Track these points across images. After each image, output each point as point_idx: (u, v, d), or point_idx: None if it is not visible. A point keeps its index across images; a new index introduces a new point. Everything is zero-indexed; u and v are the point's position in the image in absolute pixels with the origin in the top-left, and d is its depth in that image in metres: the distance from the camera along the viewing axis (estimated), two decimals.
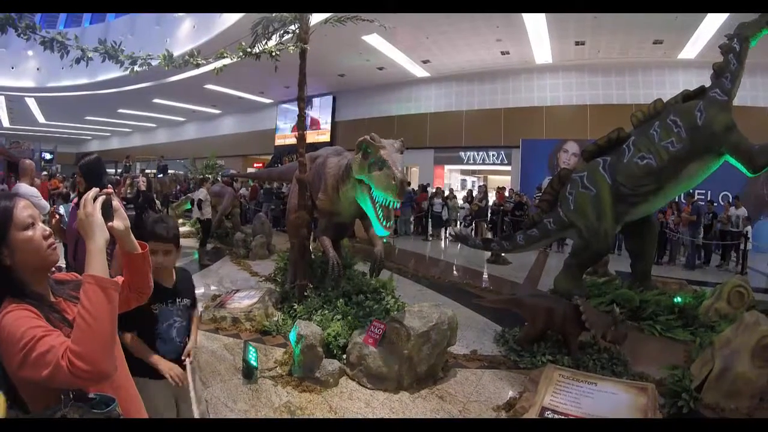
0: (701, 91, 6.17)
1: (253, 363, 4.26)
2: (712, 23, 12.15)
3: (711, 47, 6.57)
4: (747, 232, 10.70)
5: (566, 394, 3.74)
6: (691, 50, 14.57)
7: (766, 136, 10.43)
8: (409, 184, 18.62)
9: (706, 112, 5.84)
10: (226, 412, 3.69)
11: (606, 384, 3.91)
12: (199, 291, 4.86)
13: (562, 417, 3.45)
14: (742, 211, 11.09)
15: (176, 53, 5.51)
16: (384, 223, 4.34)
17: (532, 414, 3.48)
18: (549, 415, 3.47)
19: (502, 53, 16.34)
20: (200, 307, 4.42)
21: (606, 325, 4.59)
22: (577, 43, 15.06)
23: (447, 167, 21.48)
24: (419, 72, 19.16)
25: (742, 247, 10.76)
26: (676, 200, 12.12)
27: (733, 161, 5.86)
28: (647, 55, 15.50)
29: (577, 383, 3.89)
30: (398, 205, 4.30)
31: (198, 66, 5.44)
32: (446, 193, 16.43)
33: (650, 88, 15.49)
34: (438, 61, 17.69)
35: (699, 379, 4.15)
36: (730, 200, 11.84)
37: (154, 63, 5.39)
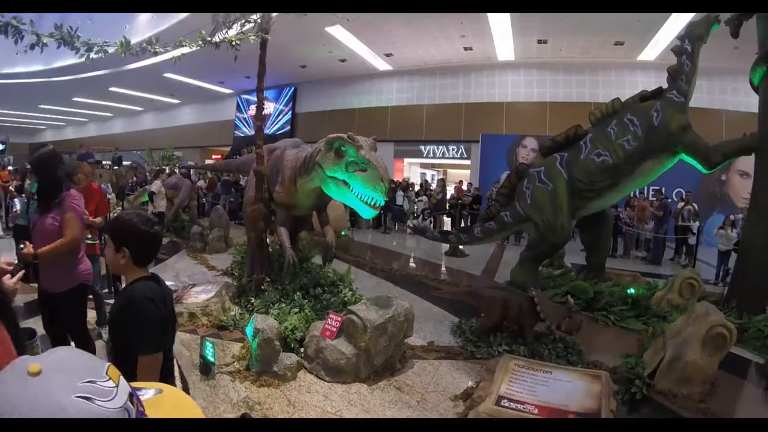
0: (659, 92, 6.37)
1: (211, 359, 4.17)
2: (673, 26, 12.50)
3: (671, 50, 6.78)
4: (694, 227, 11.05)
5: (522, 382, 3.81)
6: (650, 52, 15.01)
7: (721, 137, 10.94)
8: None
9: (662, 112, 6.03)
10: None
11: (561, 372, 4.01)
12: None
13: (519, 404, 3.50)
14: (690, 206, 11.48)
15: (135, 40, 5.31)
16: (371, 203, 4.39)
17: (489, 403, 3.51)
18: (505, 403, 3.51)
19: (465, 49, 16.43)
20: None
21: (560, 315, 4.70)
22: (539, 42, 15.27)
23: (407, 160, 21.55)
24: (381, 65, 19.11)
25: (691, 241, 11.14)
26: (632, 195, 12.49)
27: (688, 159, 6.08)
28: (608, 56, 15.87)
29: (532, 372, 3.97)
30: (383, 203, 4.36)
31: (156, 54, 5.25)
32: (406, 185, 16.52)
33: (610, 88, 15.80)
34: (401, 55, 17.66)
35: (651, 366, 4.31)
36: (683, 196, 12.25)
37: (110, 50, 5.19)
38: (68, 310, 3.42)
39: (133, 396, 0.82)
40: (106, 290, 5.98)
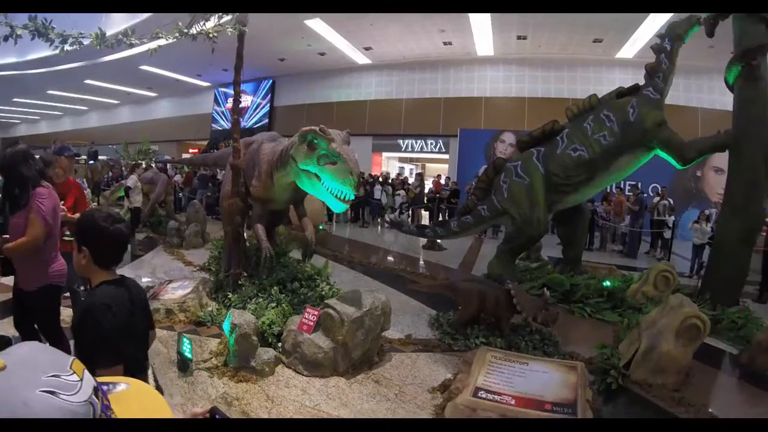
0: (635, 89, 6.45)
1: (188, 355, 4.12)
2: (651, 25, 12.74)
3: (648, 48, 6.89)
4: (670, 221, 11.27)
5: (499, 374, 3.84)
6: (629, 50, 15.27)
7: (696, 134, 11.17)
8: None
9: (638, 108, 6.11)
10: None
11: (537, 363, 4.05)
12: None
13: (496, 395, 3.52)
14: (666, 201, 11.71)
15: (110, 32, 5.18)
16: (341, 196, 4.39)
17: (466, 394, 3.53)
18: (482, 395, 3.54)
19: (445, 43, 16.50)
20: None
21: (537, 307, 4.75)
22: (519, 38, 15.40)
23: (385, 155, 21.63)
24: (361, 59, 19.07)
25: (666, 235, 11.36)
26: (608, 190, 12.66)
27: (663, 155, 6.18)
28: (586, 53, 16.10)
29: (509, 363, 4.00)
30: (353, 197, 4.34)
31: (132, 46, 5.14)
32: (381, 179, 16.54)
33: (587, 84, 15.96)
34: (380, 49, 17.65)
35: (627, 357, 4.38)
36: (659, 191, 12.49)
37: (85, 42, 5.06)
38: (39, 308, 3.35)
39: (98, 390, 0.82)
40: (83, 288, 5.85)
